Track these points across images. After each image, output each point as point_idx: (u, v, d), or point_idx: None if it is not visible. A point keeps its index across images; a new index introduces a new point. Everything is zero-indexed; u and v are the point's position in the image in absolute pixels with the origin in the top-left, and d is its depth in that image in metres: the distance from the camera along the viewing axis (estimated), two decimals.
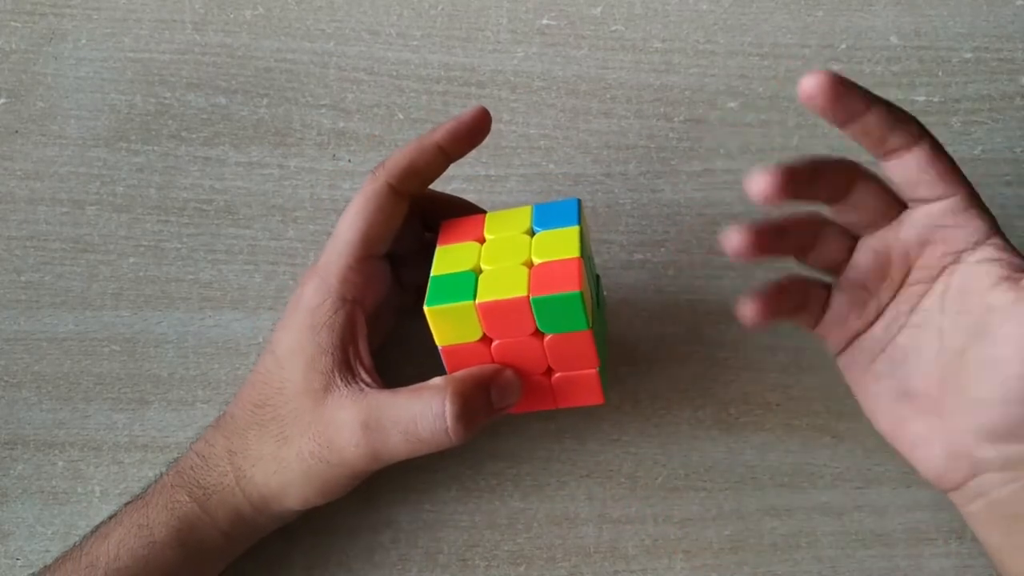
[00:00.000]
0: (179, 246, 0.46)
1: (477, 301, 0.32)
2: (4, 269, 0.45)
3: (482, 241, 0.36)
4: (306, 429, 0.34)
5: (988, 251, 0.33)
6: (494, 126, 0.47)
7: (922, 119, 0.49)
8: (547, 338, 0.33)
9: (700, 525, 0.41)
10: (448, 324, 0.33)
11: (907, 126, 0.33)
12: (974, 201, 0.33)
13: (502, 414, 0.35)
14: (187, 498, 0.35)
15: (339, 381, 0.34)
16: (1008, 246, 0.33)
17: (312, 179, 0.47)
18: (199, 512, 0.35)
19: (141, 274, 0.45)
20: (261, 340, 0.44)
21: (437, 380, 0.33)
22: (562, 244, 0.34)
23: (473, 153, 0.48)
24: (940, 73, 0.50)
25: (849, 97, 0.32)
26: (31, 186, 0.47)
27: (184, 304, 0.45)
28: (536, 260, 0.34)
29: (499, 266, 0.34)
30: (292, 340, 0.35)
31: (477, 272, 0.34)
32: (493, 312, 0.33)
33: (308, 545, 0.40)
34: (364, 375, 0.35)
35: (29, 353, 0.43)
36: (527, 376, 0.35)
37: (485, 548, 0.40)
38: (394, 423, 0.33)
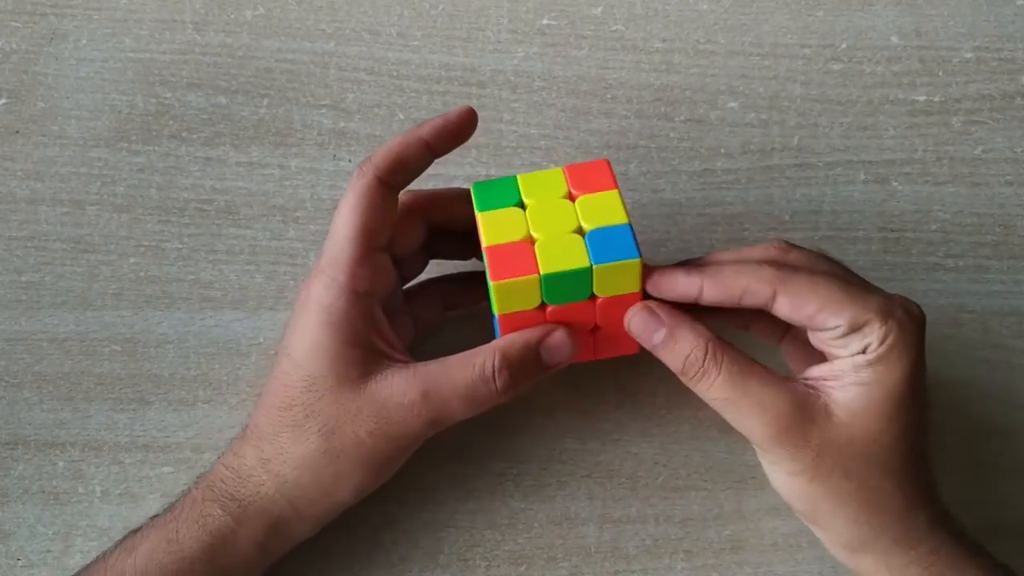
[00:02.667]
0: (180, 246, 0.46)
1: (541, 273, 0.33)
2: (5, 269, 0.45)
3: (522, 206, 0.36)
4: (356, 414, 0.34)
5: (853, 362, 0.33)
6: (494, 126, 0.47)
7: (922, 119, 0.49)
8: (600, 300, 0.35)
9: (701, 525, 0.41)
10: (511, 295, 0.34)
11: (758, 289, 0.34)
12: (863, 326, 0.33)
13: (555, 370, 0.36)
14: (220, 512, 0.34)
15: (377, 366, 0.35)
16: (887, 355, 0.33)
17: (313, 179, 0.47)
18: (233, 525, 0.34)
19: (142, 274, 0.45)
20: (262, 340, 0.44)
21: (488, 346, 0.35)
22: (607, 208, 0.35)
23: (473, 153, 0.48)
24: (940, 73, 0.50)
25: (674, 282, 0.35)
26: (32, 186, 0.47)
27: (185, 304, 0.45)
28: (587, 227, 0.35)
29: (552, 234, 0.35)
30: (309, 340, 0.35)
31: (531, 241, 0.35)
32: (556, 282, 0.34)
33: (308, 546, 0.40)
34: (399, 355, 0.36)
35: (30, 353, 0.43)
36: (573, 332, 0.36)
37: (486, 548, 0.40)
38: (453, 390, 0.34)
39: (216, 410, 0.42)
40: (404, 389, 0.34)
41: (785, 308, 0.34)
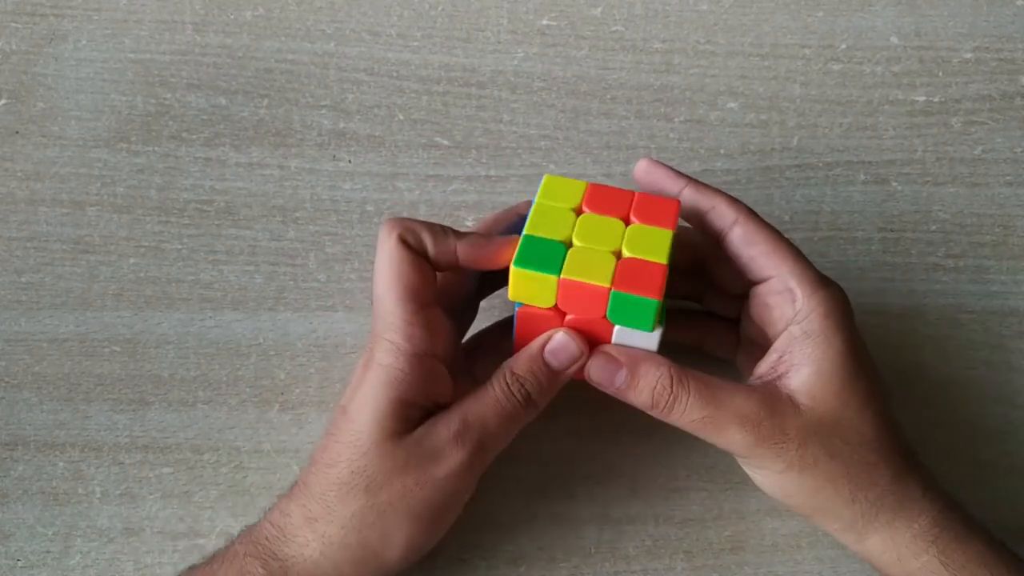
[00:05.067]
0: (180, 247, 0.46)
1: (560, 277, 0.33)
2: (5, 270, 0.45)
3: (579, 212, 0.36)
4: (404, 465, 0.34)
5: (794, 331, 0.35)
6: (494, 126, 0.47)
7: (922, 119, 0.49)
8: (617, 327, 0.35)
9: (701, 525, 0.41)
10: (526, 287, 0.34)
11: (724, 211, 0.36)
12: (790, 283, 0.35)
13: (572, 372, 0.36)
14: (262, 570, 0.34)
15: (423, 420, 0.34)
16: (830, 334, 0.34)
17: (312, 180, 0.47)
18: None
19: (142, 275, 0.45)
20: (261, 341, 0.44)
21: (500, 366, 0.35)
22: (654, 244, 0.34)
23: (473, 153, 0.48)
24: (940, 73, 0.50)
25: (663, 175, 0.37)
26: (32, 187, 0.47)
27: (184, 305, 0.45)
28: (626, 252, 0.34)
29: (589, 246, 0.34)
30: (364, 395, 0.34)
31: (567, 245, 0.34)
32: (571, 290, 0.34)
33: None
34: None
35: (30, 354, 0.43)
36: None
37: (485, 548, 0.40)
38: (486, 409, 0.34)
39: (216, 411, 0.42)
40: (446, 424, 0.34)
41: (737, 239, 0.36)
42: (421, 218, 0.36)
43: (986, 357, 0.44)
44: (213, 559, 0.35)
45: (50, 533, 0.40)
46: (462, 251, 0.35)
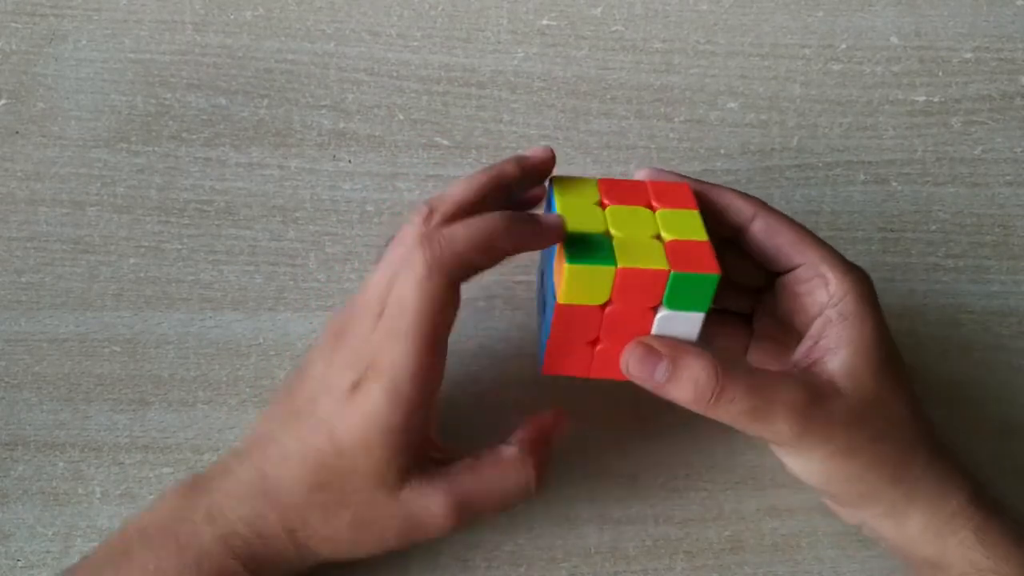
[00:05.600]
0: (180, 247, 0.46)
1: (618, 266, 0.33)
2: (5, 270, 0.45)
3: (603, 205, 0.35)
4: (388, 519, 0.34)
5: (831, 315, 0.35)
6: (494, 126, 0.47)
7: (922, 119, 0.49)
8: (661, 313, 0.34)
9: (701, 525, 0.41)
10: (580, 284, 0.33)
11: (742, 206, 0.36)
12: (822, 268, 0.35)
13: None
14: (243, 570, 0.34)
15: (415, 470, 0.34)
16: (862, 312, 0.35)
17: (312, 180, 0.47)
18: None
19: (142, 275, 0.45)
20: (261, 341, 0.44)
21: (512, 450, 0.35)
22: (688, 225, 0.35)
23: (473, 153, 0.48)
24: (940, 73, 0.50)
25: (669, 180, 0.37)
26: (32, 187, 0.47)
27: (185, 305, 0.45)
28: (667, 236, 0.34)
29: (631, 235, 0.34)
30: (358, 434, 0.33)
31: (608, 237, 0.34)
32: (629, 279, 0.33)
33: None
34: (436, 452, 0.36)
35: (30, 354, 0.43)
36: (602, 342, 0.35)
37: (486, 549, 0.40)
38: (488, 499, 0.35)
39: (216, 411, 0.42)
40: (437, 502, 0.34)
41: (760, 232, 0.36)
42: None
43: (986, 357, 0.44)
44: (179, 539, 0.33)
45: (50, 533, 0.40)
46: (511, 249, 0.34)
